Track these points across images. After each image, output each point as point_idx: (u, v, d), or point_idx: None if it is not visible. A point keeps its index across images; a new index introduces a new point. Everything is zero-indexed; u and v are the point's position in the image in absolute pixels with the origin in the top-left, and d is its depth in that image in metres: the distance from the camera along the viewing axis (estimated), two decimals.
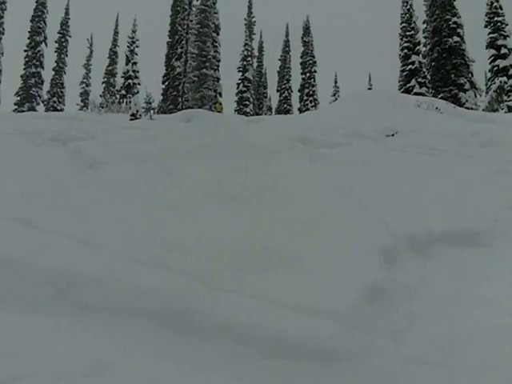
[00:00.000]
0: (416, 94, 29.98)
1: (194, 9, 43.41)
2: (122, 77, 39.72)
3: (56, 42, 46.20)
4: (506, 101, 35.08)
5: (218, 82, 41.89)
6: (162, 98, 42.27)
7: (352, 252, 4.00)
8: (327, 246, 4.05)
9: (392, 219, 4.98)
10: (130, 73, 39.01)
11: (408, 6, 40.82)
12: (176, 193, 5.03)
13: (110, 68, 48.18)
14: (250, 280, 3.16)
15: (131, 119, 17.55)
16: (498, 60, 37.85)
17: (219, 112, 25.90)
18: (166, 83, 42.69)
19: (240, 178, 6.08)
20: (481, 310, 3.30)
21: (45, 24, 44.86)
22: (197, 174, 6.08)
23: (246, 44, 48.46)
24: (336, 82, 50.54)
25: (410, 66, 37.35)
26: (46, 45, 44.76)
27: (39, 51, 43.78)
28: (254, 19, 50.15)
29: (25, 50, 43.52)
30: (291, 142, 9.40)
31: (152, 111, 23.51)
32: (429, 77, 38.05)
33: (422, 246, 4.60)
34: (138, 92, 37.03)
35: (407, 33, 39.55)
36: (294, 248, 3.87)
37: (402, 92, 33.38)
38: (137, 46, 40.38)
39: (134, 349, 2.61)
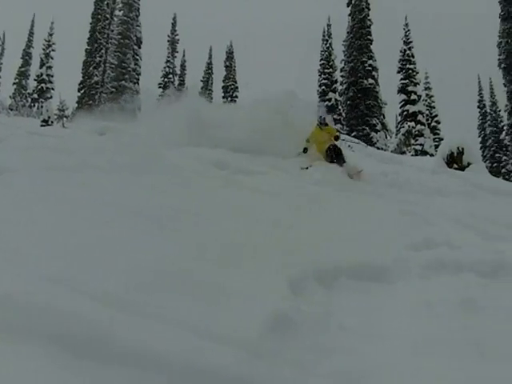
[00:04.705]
0: None
1: (115, 19, 42.86)
2: (35, 80, 38.33)
3: None
4: (413, 144, 37.41)
5: (137, 95, 41.41)
6: (76, 105, 41.08)
7: (262, 282, 4.05)
8: (241, 272, 4.11)
9: (300, 252, 5.12)
10: (44, 77, 37.74)
11: (328, 45, 42.59)
12: (92, 208, 4.87)
13: (23, 69, 46.23)
14: (163, 305, 3.12)
15: (42, 125, 16.97)
16: (408, 105, 40.36)
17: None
18: (82, 91, 41.55)
19: (158, 197, 6.03)
20: (384, 345, 3.43)
21: None
22: (113, 190, 5.92)
23: (168, 61, 48.39)
24: None
25: (326, 103, 38.80)
26: None
27: None
28: (177, 37, 50.30)
29: None
30: (209, 165, 9.51)
31: (65, 119, 22.79)
32: (344, 114, 39.68)
33: (328, 279, 4.74)
34: (51, 97, 35.89)
35: (326, 70, 41.23)
36: (209, 274, 3.88)
37: None
38: (53, 50, 39.24)
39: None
